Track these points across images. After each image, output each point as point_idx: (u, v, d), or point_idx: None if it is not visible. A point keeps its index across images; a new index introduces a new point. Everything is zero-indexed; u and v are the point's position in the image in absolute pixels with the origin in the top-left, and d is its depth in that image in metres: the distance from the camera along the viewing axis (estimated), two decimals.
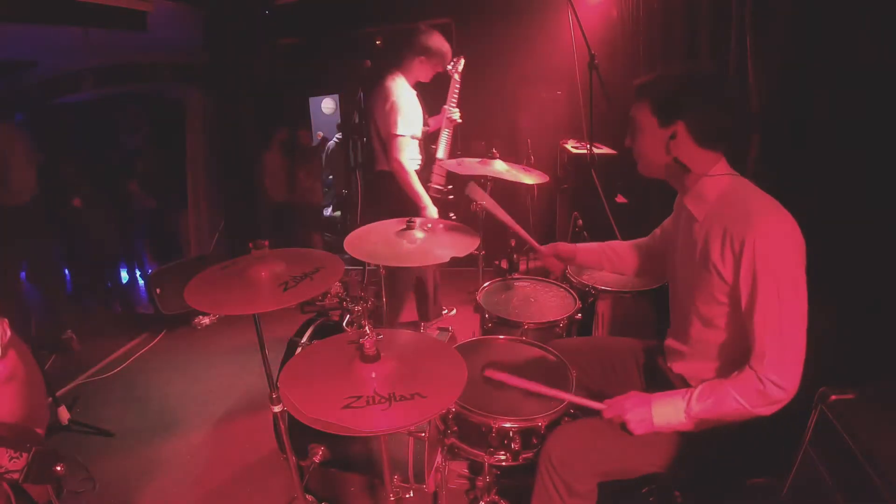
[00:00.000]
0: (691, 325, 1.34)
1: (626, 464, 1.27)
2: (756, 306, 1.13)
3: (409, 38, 2.74)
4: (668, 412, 1.20)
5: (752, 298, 1.13)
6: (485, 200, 1.82)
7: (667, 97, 1.26)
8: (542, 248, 1.72)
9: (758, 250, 1.12)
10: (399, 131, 2.62)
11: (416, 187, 2.67)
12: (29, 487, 1.20)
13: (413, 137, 2.72)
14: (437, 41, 2.75)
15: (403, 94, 2.69)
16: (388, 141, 2.67)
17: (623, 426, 1.23)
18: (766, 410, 1.14)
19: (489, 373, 1.40)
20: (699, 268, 1.27)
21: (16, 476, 1.14)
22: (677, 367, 1.41)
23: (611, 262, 1.70)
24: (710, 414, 1.17)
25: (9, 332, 1.28)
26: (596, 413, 1.33)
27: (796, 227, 1.14)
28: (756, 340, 1.13)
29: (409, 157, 2.70)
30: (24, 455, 1.15)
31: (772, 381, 1.10)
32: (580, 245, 1.71)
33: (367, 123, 2.86)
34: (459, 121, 2.96)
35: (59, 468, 1.21)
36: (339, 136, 5.94)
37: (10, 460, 1.14)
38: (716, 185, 1.26)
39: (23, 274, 3.41)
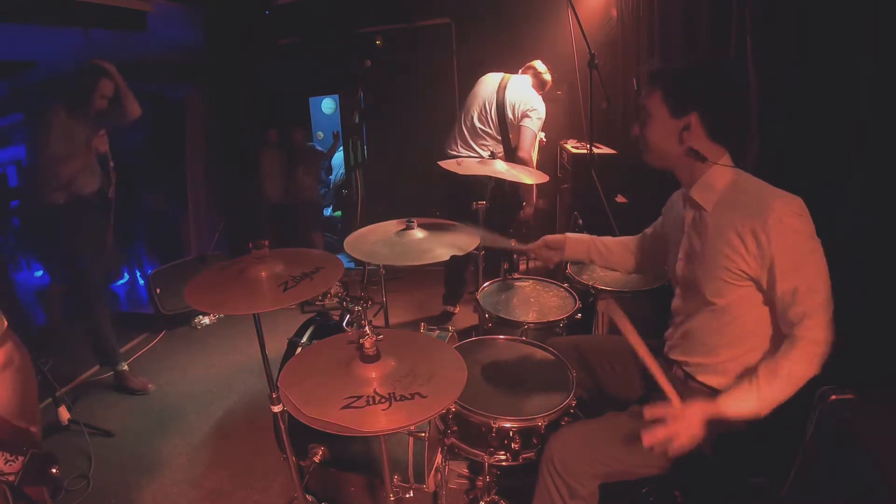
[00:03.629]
0: (694, 315, 1.33)
1: (629, 466, 1.27)
2: (797, 275, 1.13)
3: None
4: (741, 408, 1.15)
5: (792, 272, 1.14)
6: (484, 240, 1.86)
7: (680, 86, 1.24)
8: (532, 245, 1.73)
9: (785, 232, 1.13)
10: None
11: None
12: (25, 488, 1.20)
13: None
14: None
15: None
16: None
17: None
18: (820, 369, 1.14)
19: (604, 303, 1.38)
20: (711, 259, 1.26)
21: (11, 479, 1.13)
22: (677, 357, 1.41)
23: (600, 255, 1.70)
24: (782, 396, 1.14)
25: (5, 322, 1.27)
26: (598, 414, 1.34)
27: (805, 206, 1.17)
28: (798, 311, 1.14)
29: None
30: (20, 458, 1.15)
31: (825, 341, 1.12)
32: (569, 235, 1.71)
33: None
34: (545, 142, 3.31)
35: (54, 470, 1.21)
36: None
37: (5, 463, 1.14)
38: (723, 174, 1.26)
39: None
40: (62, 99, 2.55)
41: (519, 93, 2.91)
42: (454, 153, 3.03)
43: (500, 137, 2.98)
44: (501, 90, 2.92)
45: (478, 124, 2.96)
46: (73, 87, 2.57)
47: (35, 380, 1.36)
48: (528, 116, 2.86)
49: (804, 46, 1.55)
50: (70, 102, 2.55)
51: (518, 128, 2.89)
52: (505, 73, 3.01)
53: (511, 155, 2.96)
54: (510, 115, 2.90)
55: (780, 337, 1.20)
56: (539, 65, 3.02)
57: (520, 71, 3.04)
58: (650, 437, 1.09)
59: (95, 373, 3.02)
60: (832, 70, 1.46)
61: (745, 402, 1.16)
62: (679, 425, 1.10)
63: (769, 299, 1.21)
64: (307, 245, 4.52)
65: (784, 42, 1.63)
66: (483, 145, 2.98)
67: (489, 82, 2.99)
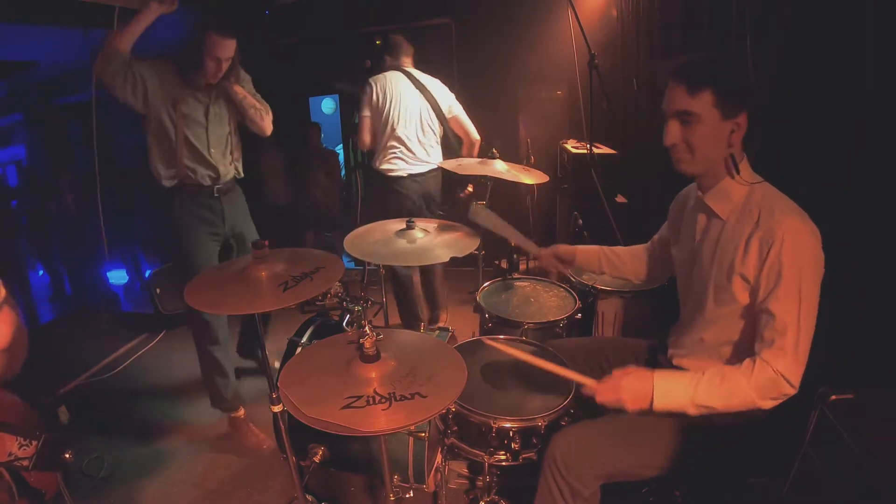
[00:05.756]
0: (700, 322, 1.32)
1: (631, 466, 1.26)
2: (777, 300, 1.12)
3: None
4: (672, 393, 1.16)
5: (774, 292, 1.12)
6: (488, 222, 1.79)
7: (735, 84, 1.15)
8: (542, 250, 1.71)
9: (786, 247, 1.11)
10: None
11: None
12: (34, 475, 1.20)
13: None
14: None
15: None
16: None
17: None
18: (771, 403, 1.14)
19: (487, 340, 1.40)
20: (718, 266, 1.25)
21: (25, 463, 1.13)
22: (682, 362, 1.40)
23: (611, 264, 1.69)
24: (717, 402, 1.14)
25: (3, 291, 1.23)
26: (599, 414, 1.33)
27: (820, 240, 1.14)
28: (770, 334, 1.13)
29: None
30: (34, 443, 1.15)
31: (783, 376, 1.11)
32: (579, 247, 1.70)
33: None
34: None
35: (67, 455, 1.21)
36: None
37: (19, 448, 1.14)
38: (742, 186, 1.22)
39: None
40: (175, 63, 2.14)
41: (435, 84, 2.87)
42: (391, 166, 2.85)
43: (441, 135, 2.93)
44: (425, 89, 2.81)
45: (418, 131, 2.83)
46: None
47: (25, 332, 1.29)
48: (456, 103, 2.88)
49: (804, 46, 1.55)
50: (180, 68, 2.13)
51: (455, 118, 2.87)
52: (393, 70, 2.84)
53: (454, 148, 2.94)
54: (444, 110, 2.86)
55: None
56: (406, 45, 2.89)
57: (404, 62, 2.87)
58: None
59: (95, 373, 3.02)
60: (832, 69, 1.46)
61: (678, 389, 1.16)
62: (609, 392, 1.19)
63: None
64: (331, 245, 4.52)
65: (784, 41, 1.63)
66: (430, 149, 2.89)
67: (402, 86, 2.80)
